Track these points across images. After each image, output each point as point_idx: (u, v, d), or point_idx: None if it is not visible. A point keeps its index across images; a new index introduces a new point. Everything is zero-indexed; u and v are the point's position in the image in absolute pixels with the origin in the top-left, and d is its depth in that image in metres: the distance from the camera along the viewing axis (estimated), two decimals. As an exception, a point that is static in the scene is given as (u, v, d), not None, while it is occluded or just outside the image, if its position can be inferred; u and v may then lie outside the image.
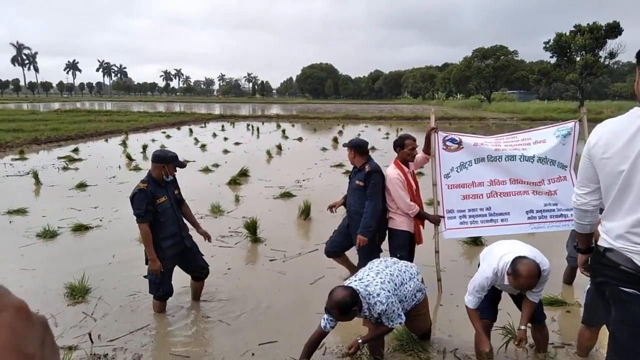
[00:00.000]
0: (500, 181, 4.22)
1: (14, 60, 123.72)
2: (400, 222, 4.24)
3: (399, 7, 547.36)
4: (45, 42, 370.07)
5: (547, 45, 45.12)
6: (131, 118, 30.37)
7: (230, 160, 13.36)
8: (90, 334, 3.60)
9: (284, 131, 23.42)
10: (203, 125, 28.94)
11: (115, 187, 9.49)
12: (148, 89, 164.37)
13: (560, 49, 44.39)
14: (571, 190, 4.07)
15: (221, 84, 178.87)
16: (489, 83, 64.95)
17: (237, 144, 17.93)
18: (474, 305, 3.11)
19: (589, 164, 2.07)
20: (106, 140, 19.26)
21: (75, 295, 4.31)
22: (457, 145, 4.27)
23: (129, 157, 13.56)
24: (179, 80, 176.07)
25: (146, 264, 3.89)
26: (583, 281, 3.17)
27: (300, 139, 19.80)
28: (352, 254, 4.65)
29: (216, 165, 12.26)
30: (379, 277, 3.08)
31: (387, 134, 22.80)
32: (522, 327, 3.01)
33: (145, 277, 3.96)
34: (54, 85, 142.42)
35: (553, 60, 47.00)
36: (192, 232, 4.18)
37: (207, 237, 4.27)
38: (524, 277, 2.79)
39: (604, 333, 3.37)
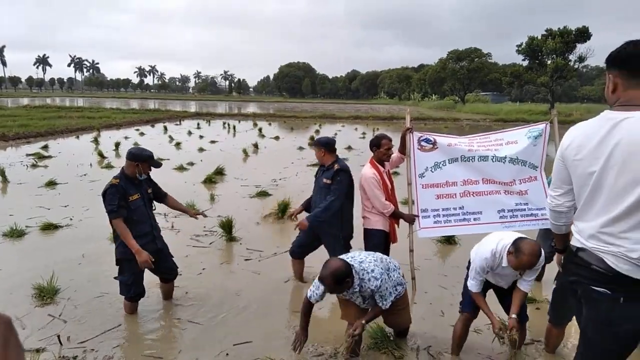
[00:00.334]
0: (473, 181, 4.29)
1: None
2: (375, 222, 4.27)
3: (377, 7, 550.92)
4: (13, 35, 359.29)
5: (520, 48, 46.22)
6: (103, 115, 29.75)
7: (206, 158, 13.21)
8: (59, 336, 3.50)
9: (260, 130, 23.31)
10: (178, 123, 28.54)
11: (87, 185, 9.27)
12: (121, 85, 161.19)
13: (532, 52, 45.55)
14: (541, 190, 4.21)
15: (197, 82, 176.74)
16: (463, 85, 66.04)
17: (213, 142, 17.75)
18: (477, 289, 3.16)
19: (562, 166, 2.10)
20: (77, 137, 18.80)
21: (44, 296, 4.19)
22: (431, 146, 4.32)
23: (100, 154, 13.27)
24: (154, 76, 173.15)
25: (117, 264, 3.81)
26: (552, 278, 3.26)
27: (277, 138, 19.74)
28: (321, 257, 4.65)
29: (191, 164, 12.11)
30: (371, 257, 3.18)
31: (364, 133, 22.95)
32: (513, 316, 3.07)
33: (115, 278, 3.87)
34: (23, 80, 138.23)
35: (525, 63, 48.14)
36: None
37: (202, 214, 4.46)
38: (527, 254, 2.82)
39: (573, 326, 3.47)
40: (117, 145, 14.97)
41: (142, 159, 3.77)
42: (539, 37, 44.64)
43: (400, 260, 4.57)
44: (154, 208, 4.06)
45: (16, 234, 5.94)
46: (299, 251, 4.67)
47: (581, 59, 43.69)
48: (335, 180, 4.20)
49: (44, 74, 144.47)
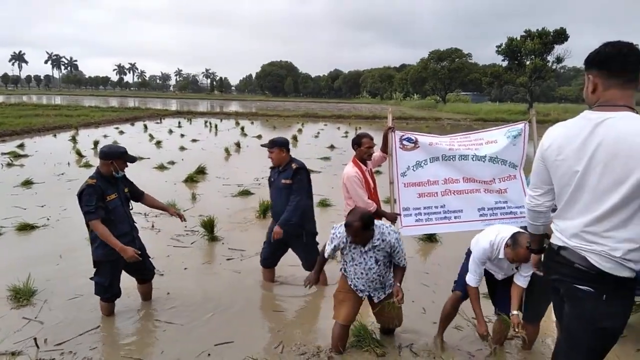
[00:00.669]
0: (454, 180, 4.32)
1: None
2: (357, 220, 4.29)
3: (359, 7, 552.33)
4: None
5: (499, 49, 46.96)
6: (82, 113, 29.19)
7: (187, 157, 13.08)
8: (35, 339, 3.42)
9: (242, 129, 23.16)
10: (159, 121, 28.16)
11: (64, 184, 9.07)
12: (100, 83, 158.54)
13: (512, 53, 46.32)
14: (520, 188, 4.27)
15: (178, 80, 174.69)
16: (444, 84, 66.71)
17: (194, 141, 17.58)
18: (476, 283, 3.22)
19: (543, 166, 2.12)
20: (54, 135, 18.41)
21: (20, 298, 4.09)
22: (413, 145, 4.34)
23: (79, 153, 13.02)
24: (134, 74, 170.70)
25: (94, 267, 3.73)
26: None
27: (259, 137, 19.62)
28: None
29: (172, 163, 11.97)
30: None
31: (347, 132, 23.00)
32: (514, 313, 3.13)
33: (91, 279, 3.79)
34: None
35: (505, 64, 48.93)
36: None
37: (181, 217, 4.26)
38: (523, 248, 2.90)
39: (552, 322, 3.54)
40: (96, 143, 14.69)
41: (116, 156, 3.68)
42: (518, 38, 45.40)
43: (382, 258, 4.62)
44: (131, 208, 4.00)
45: (-10, 234, 5.78)
46: (270, 260, 4.67)
47: (559, 59, 44.64)
48: (295, 179, 4.25)
49: (20, 71, 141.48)
